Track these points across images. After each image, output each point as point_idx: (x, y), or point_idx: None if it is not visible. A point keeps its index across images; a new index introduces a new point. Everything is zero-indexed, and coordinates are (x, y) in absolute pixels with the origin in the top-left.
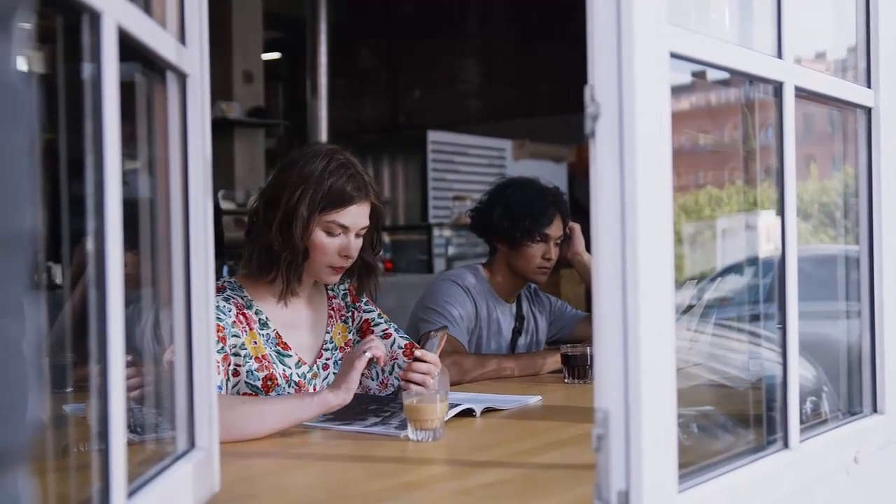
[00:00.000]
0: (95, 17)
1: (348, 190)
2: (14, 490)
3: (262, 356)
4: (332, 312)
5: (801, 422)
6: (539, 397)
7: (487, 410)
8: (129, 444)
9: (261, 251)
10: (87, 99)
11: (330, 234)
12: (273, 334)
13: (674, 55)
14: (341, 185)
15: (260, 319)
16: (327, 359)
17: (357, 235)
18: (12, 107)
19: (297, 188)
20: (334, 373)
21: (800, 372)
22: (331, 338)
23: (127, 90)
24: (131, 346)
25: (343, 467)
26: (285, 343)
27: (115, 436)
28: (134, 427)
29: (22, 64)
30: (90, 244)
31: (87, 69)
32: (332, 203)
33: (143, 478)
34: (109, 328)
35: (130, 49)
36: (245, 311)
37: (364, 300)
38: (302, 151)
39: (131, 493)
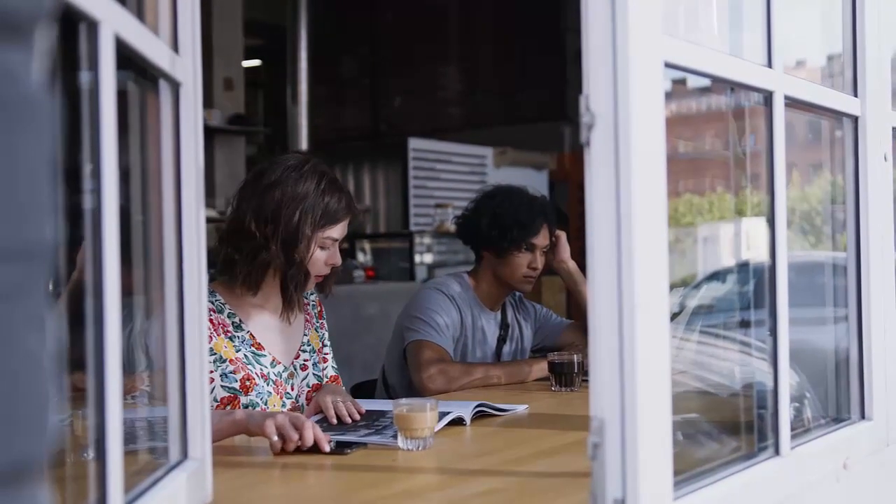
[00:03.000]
0: (93, 26)
1: (342, 207)
2: (34, 502)
3: (236, 358)
4: (307, 317)
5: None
6: (526, 406)
7: (479, 415)
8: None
9: (258, 268)
10: (84, 106)
11: (322, 248)
12: (247, 336)
13: (668, 65)
14: (335, 202)
15: (234, 322)
16: (305, 360)
17: (340, 244)
18: (34, 119)
19: (296, 208)
20: (313, 373)
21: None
22: (308, 340)
23: (119, 98)
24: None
25: (334, 477)
26: (259, 343)
27: (111, 446)
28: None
29: (42, 75)
30: (87, 253)
31: (83, 77)
32: (330, 220)
33: (138, 488)
34: (106, 338)
35: (124, 57)
36: (215, 316)
37: (324, 318)
38: (282, 167)
39: None
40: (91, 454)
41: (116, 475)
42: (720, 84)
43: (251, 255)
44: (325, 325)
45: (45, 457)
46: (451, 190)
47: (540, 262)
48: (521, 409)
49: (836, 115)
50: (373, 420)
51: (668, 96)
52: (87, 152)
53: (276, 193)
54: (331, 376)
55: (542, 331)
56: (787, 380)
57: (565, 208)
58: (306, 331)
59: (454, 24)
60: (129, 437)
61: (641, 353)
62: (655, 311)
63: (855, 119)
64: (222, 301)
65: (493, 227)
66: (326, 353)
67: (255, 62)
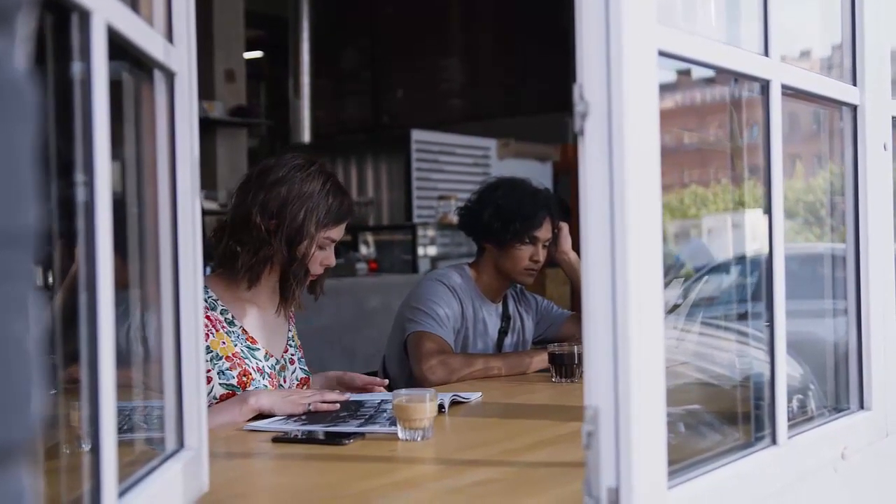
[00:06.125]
0: (85, 16)
1: (345, 209)
2: (19, 485)
3: (233, 354)
4: (291, 315)
5: (789, 419)
6: (479, 394)
7: (454, 403)
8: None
9: (260, 262)
10: (76, 97)
11: (321, 248)
12: (240, 331)
13: (662, 53)
14: (338, 204)
15: (226, 318)
16: (292, 354)
17: (336, 246)
18: (16, 105)
19: (301, 206)
20: (301, 368)
21: (786, 370)
22: (292, 336)
23: (113, 89)
24: (117, 348)
25: (332, 467)
26: (252, 338)
27: (105, 437)
28: (121, 427)
29: (24, 62)
30: (80, 246)
31: (75, 67)
32: (333, 221)
33: (133, 478)
34: (100, 329)
35: (118, 47)
36: (209, 313)
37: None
38: (289, 166)
39: (121, 494)
40: (88, 445)
41: (110, 465)
42: (720, 74)
43: (254, 248)
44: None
45: (29, 440)
46: (454, 182)
47: (542, 254)
48: (475, 396)
49: (835, 105)
50: (355, 410)
51: (673, 87)
52: (80, 144)
53: (283, 190)
54: (301, 378)
55: (543, 322)
56: (784, 369)
57: (569, 200)
58: (290, 327)
59: (455, 15)
60: (127, 427)
61: (635, 341)
62: (649, 299)
63: (854, 108)
64: (214, 297)
65: (495, 218)
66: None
67: (257, 54)
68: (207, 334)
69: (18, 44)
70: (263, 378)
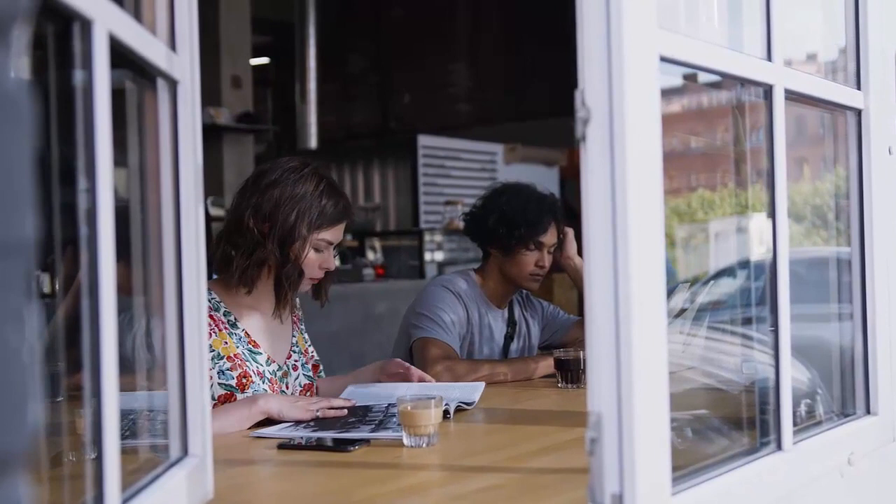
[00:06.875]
0: (87, 25)
1: (340, 211)
2: (15, 495)
3: (235, 355)
4: (295, 320)
5: (795, 424)
6: (482, 384)
7: (459, 410)
8: (122, 451)
9: (254, 265)
10: (78, 106)
11: (317, 250)
12: (243, 334)
13: (664, 59)
14: (332, 205)
15: (229, 321)
16: (295, 360)
17: (335, 248)
18: (12, 115)
19: (293, 208)
20: (303, 374)
21: (793, 375)
22: (296, 342)
23: (117, 97)
24: (122, 355)
25: (337, 474)
26: (255, 341)
27: (108, 444)
28: (125, 433)
29: (20, 72)
30: (83, 253)
31: (77, 76)
32: (327, 222)
33: (137, 485)
34: (102, 336)
35: (120, 56)
36: (212, 313)
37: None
38: (282, 168)
39: (125, 501)
40: (94, 453)
41: (113, 472)
42: (724, 78)
43: (248, 251)
44: (304, 329)
45: (25, 450)
46: (460, 187)
47: (547, 260)
48: (477, 392)
49: (840, 109)
50: (363, 416)
51: (680, 91)
52: (82, 152)
53: (275, 192)
54: (305, 384)
55: (549, 328)
56: (790, 374)
57: (576, 205)
58: (294, 332)
59: (462, 19)
60: (131, 432)
61: (638, 347)
62: (652, 304)
63: (858, 112)
64: (218, 299)
65: (500, 224)
66: (312, 353)
67: (264, 60)
68: (210, 333)
69: (15, 54)
70: (263, 382)
